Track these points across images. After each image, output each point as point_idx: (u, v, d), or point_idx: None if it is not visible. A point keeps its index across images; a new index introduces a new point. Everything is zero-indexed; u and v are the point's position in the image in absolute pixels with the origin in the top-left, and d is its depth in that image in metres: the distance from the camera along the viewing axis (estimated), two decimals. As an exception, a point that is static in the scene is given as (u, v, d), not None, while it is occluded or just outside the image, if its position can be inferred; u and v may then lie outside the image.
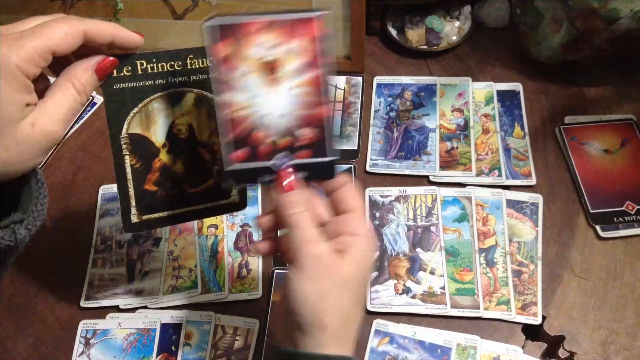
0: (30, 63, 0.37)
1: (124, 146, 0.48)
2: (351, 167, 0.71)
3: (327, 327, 0.40)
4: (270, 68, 0.42)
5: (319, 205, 0.45)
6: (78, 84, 0.41)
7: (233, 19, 0.41)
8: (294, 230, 0.42)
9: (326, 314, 0.40)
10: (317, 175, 0.45)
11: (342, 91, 0.77)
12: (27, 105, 0.38)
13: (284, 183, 0.43)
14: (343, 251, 0.42)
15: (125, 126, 0.47)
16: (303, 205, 0.43)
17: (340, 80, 0.78)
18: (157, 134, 0.49)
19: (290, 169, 0.44)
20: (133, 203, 0.50)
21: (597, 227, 0.65)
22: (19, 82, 0.36)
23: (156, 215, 0.51)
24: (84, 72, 0.41)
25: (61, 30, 0.38)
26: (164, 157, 0.50)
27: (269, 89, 0.42)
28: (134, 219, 0.50)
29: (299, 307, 0.41)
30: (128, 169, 0.49)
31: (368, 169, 0.71)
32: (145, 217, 0.51)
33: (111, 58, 0.43)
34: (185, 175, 0.51)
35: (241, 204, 0.54)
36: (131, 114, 0.47)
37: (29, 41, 0.37)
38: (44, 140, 0.38)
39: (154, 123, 0.48)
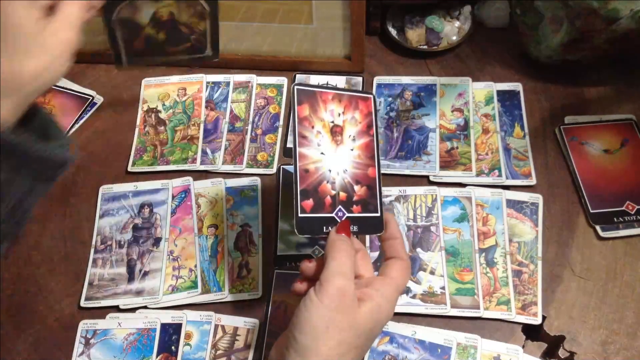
0: None
1: (115, 22, 0.60)
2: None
3: (321, 356, 0.42)
4: (336, 131, 0.51)
5: (363, 260, 0.50)
6: None
7: (313, 87, 0.51)
8: (332, 261, 0.45)
9: (325, 344, 0.42)
10: (367, 229, 0.51)
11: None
12: (42, 18, 0.41)
13: (342, 230, 0.48)
14: (362, 300, 0.45)
15: (115, 14, 0.59)
16: (349, 249, 0.47)
17: (340, 80, 0.78)
18: (142, 18, 0.61)
19: (347, 220, 0.49)
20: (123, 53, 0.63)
21: (597, 227, 0.65)
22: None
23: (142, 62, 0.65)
24: None
25: None
26: (148, 30, 0.62)
27: (334, 148, 0.51)
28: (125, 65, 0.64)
29: (305, 327, 0.43)
30: (119, 35, 0.61)
31: (368, 169, 0.71)
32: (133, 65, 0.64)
33: None
34: (166, 40, 0.63)
35: (214, 55, 0.66)
36: (122, 5, 0.59)
37: None
38: (66, 47, 0.42)
39: (140, 12, 0.61)
